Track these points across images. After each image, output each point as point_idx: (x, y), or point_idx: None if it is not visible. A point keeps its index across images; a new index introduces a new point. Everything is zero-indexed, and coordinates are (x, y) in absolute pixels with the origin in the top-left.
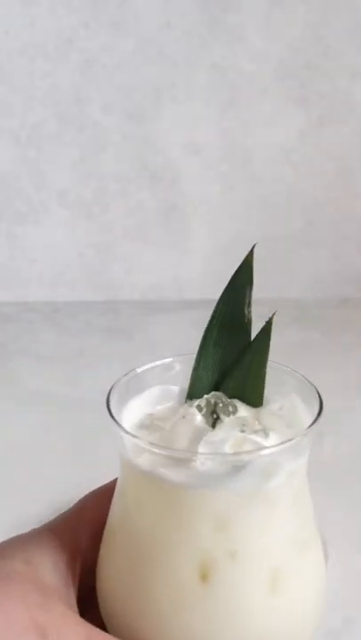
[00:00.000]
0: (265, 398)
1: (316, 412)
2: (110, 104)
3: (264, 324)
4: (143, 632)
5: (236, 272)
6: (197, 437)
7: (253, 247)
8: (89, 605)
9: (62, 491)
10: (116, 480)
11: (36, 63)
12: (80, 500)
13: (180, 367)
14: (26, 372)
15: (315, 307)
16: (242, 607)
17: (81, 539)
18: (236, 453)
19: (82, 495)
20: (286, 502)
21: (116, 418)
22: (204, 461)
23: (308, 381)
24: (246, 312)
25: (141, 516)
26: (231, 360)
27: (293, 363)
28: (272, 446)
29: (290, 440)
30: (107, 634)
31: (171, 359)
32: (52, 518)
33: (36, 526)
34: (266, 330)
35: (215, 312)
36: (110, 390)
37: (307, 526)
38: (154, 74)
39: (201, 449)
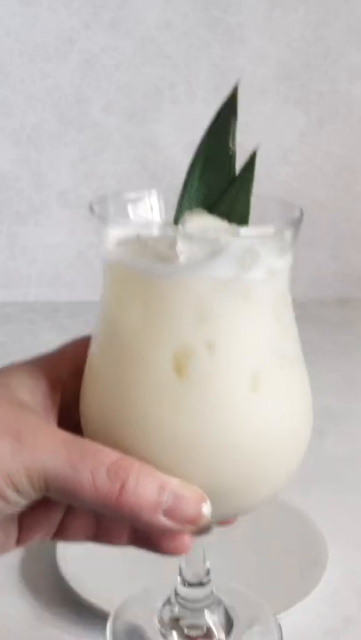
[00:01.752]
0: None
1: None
2: (110, 104)
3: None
4: (126, 438)
5: (222, 105)
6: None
7: (238, 82)
8: None
9: None
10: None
11: (36, 63)
12: (60, 345)
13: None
14: None
15: (315, 307)
16: (221, 401)
17: (62, 372)
18: (215, 231)
19: None
20: (266, 303)
21: (102, 225)
22: (182, 249)
23: (292, 204)
24: (231, 145)
25: (124, 319)
26: (216, 194)
27: None
28: (250, 229)
29: (269, 228)
30: (82, 438)
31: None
32: None
33: None
34: (250, 163)
35: (200, 146)
36: (96, 200)
37: (290, 344)
38: (154, 74)
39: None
